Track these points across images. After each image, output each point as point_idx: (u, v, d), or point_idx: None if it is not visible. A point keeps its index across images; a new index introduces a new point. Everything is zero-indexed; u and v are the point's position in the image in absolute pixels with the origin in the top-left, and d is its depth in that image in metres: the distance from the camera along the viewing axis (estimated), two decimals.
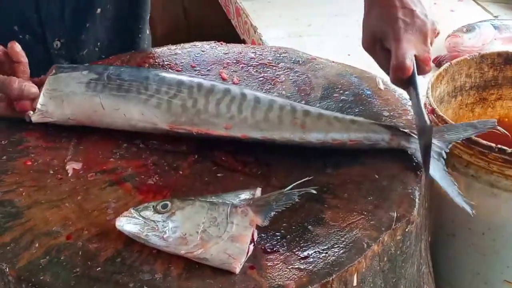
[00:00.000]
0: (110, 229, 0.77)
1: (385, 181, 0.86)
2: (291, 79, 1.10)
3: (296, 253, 0.75)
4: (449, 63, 1.19)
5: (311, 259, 0.74)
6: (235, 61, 1.15)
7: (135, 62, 1.14)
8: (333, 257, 0.74)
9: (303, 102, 1.02)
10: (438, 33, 1.00)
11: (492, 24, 1.60)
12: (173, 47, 1.19)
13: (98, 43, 1.25)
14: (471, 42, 1.55)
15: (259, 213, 0.75)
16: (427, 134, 0.86)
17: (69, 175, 0.88)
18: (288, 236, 0.77)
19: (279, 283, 0.71)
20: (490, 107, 1.25)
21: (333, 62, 1.15)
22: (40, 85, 0.96)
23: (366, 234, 0.77)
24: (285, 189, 0.76)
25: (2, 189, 0.85)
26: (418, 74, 0.94)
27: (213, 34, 1.48)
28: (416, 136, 0.90)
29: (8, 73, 0.95)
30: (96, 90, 0.95)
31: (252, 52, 1.18)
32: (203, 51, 1.18)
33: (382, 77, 1.07)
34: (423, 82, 0.98)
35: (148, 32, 1.37)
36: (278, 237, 0.77)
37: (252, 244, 0.75)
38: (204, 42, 1.21)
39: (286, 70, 1.12)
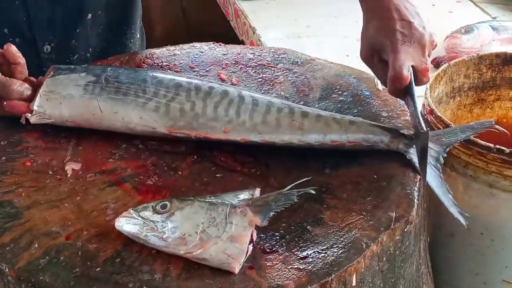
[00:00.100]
0: (110, 229, 0.77)
1: (384, 182, 0.87)
2: (290, 80, 1.10)
3: (295, 253, 0.75)
4: (447, 64, 1.19)
5: (310, 259, 0.74)
6: (233, 62, 1.15)
7: (133, 62, 1.14)
8: (332, 257, 0.74)
9: (302, 102, 1.02)
10: (436, 45, 1.00)
11: (490, 25, 1.60)
12: (171, 47, 1.19)
13: (90, 49, 1.24)
14: (469, 43, 1.55)
15: (258, 213, 0.75)
16: (423, 142, 0.86)
17: (68, 175, 0.88)
18: (287, 236, 0.78)
19: (278, 283, 0.71)
20: (488, 108, 1.25)
21: (331, 63, 1.16)
22: (38, 86, 0.96)
23: (365, 234, 0.77)
24: (284, 190, 0.76)
25: (1, 189, 0.86)
26: (416, 85, 0.93)
27: (212, 35, 1.47)
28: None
29: (6, 75, 0.95)
30: (94, 93, 0.94)
31: (251, 53, 1.18)
32: (202, 52, 1.18)
33: None
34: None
35: (138, 36, 1.36)
36: (277, 237, 0.77)
37: (251, 244, 0.75)
38: (203, 43, 1.20)
39: (284, 71, 1.12)
